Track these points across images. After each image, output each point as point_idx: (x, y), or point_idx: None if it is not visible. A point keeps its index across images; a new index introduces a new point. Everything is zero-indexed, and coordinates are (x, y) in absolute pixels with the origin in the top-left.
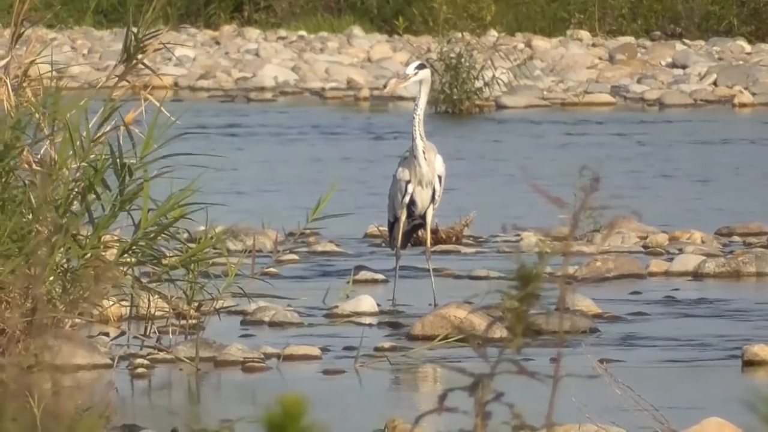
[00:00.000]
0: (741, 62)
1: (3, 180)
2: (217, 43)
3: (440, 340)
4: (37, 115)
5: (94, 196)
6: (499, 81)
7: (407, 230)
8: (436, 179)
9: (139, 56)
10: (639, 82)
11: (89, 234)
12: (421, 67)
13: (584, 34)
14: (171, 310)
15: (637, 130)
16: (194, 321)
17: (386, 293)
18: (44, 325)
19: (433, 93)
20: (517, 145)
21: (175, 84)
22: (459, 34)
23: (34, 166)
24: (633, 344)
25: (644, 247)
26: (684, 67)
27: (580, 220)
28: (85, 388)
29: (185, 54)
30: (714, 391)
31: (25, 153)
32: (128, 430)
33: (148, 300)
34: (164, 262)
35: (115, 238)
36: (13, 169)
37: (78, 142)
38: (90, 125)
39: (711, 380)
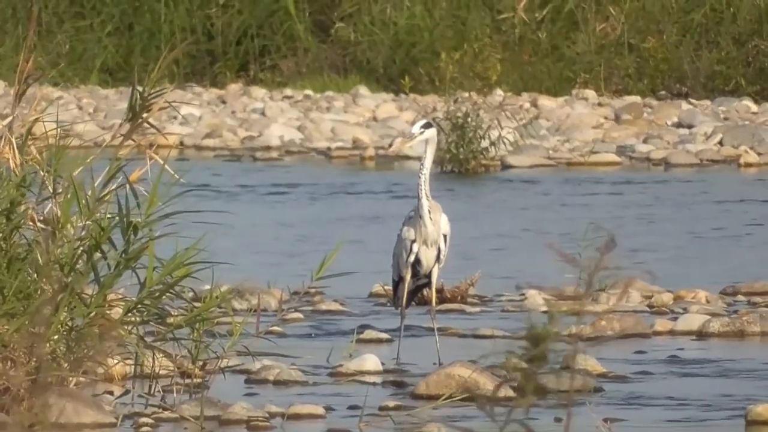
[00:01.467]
0: (747, 122)
1: (8, 238)
2: (223, 101)
3: (445, 400)
4: (42, 173)
5: (99, 254)
6: (505, 140)
7: (412, 289)
8: (441, 239)
9: (145, 115)
10: (645, 141)
11: (94, 292)
12: (427, 126)
13: (590, 93)
14: (176, 369)
15: (642, 190)
16: (199, 380)
17: (391, 352)
18: (48, 384)
19: (439, 152)
20: (523, 205)
21: (181, 143)
22: (465, 94)
23: (38, 224)
24: (637, 404)
25: (649, 306)
26: (690, 126)
27: (594, 279)
28: None
29: (191, 112)
30: None
31: (30, 211)
32: None
33: (153, 359)
34: (169, 320)
35: (120, 296)
36: (18, 227)
37: (83, 201)
38: (95, 183)
39: None
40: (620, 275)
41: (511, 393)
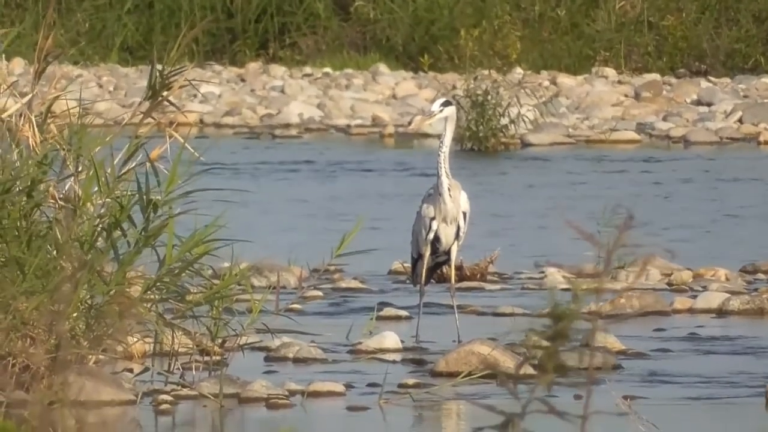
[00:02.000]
0: (766, 100)
1: (29, 216)
2: (243, 80)
3: (464, 377)
4: (62, 152)
5: (119, 232)
6: (525, 118)
7: (431, 267)
8: (461, 216)
9: (165, 93)
10: (664, 119)
11: (114, 270)
12: (446, 104)
13: (610, 71)
14: (195, 347)
15: (662, 168)
16: (218, 357)
17: (410, 330)
18: (68, 362)
19: (458, 130)
20: (543, 183)
21: (201, 121)
22: (485, 71)
23: (59, 202)
24: (656, 381)
25: (668, 284)
26: (709, 104)
27: (613, 257)
28: (109, 424)
29: (211, 91)
30: (738, 429)
31: (51, 189)
32: None
33: (172, 336)
34: (188, 298)
35: (140, 274)
36: (39, 204)
37: (103, 179)
38: (115, 161)
39: (735, 417)
40: (639, 253)
41: (531, 371)
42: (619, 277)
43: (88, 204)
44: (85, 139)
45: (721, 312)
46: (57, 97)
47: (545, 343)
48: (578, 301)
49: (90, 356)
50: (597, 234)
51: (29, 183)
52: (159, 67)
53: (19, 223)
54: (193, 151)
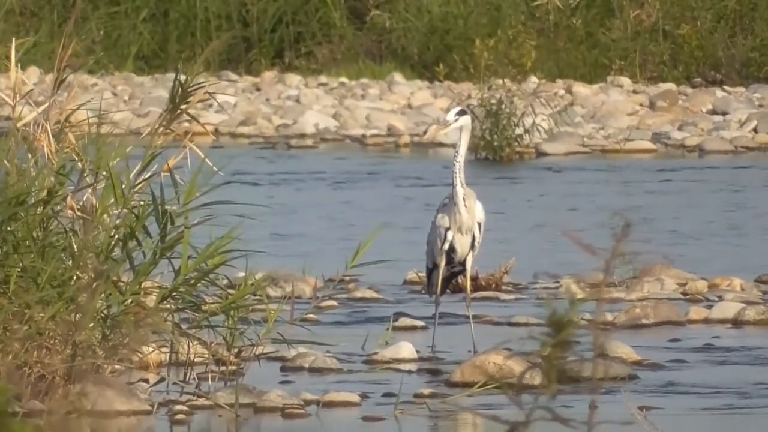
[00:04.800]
0: None
1: (45, 226)
2: (258, 89)
3: (480, 387)
4: (79, 162)
5: (135, 242)
6: (540, 127)
7: (446, 277)
8: (476, 226)
9: (184, 106)
10: (680, 128)
11: (130, 280)
12: (461, 113)
13: (625, 80)
14: (210, 356)
15: (677, 177)
16: (234, 367)
17: (426, 340)
18: (84, 371)
19: (473, 139)
20: (558, 192)
21: (216, 130)
22: (500, 81)
23: (77, 213)
24: (672, 391)
25: (683, 294)
26: (724, 113)
27: (613, 266)
28: None
29: (226, 100)
30: None
31: (68, 199)
32: None
33: (188, 346)
34: (204, 308)
35: (156, 284)
36: (56, 215)
37: (119, 189)
38: (131, 172)
39: (750, 428)
40: (640, 261)
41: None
42: (633, 286)
43: (105, 214)
44: (102, 150)
45: (736, 322)
46: (77, 108)
47: (549, 351)
48: (576, 309)
49: (106, 366)
50: (611, 243)
51: (46, 193)
52: (180, 79)
53: (35, 234)
54: (211, 165)
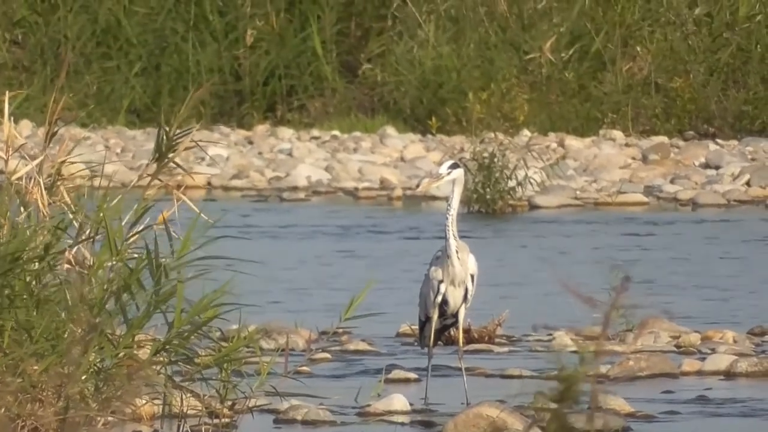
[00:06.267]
0: None
1: (39, 280)
2: (251, 142)
3: None
4: (71, 215)
5: (128, 295)
6: (532, 180)
7: (439, 329)
8: (469, 278)
9: (171, 155)
10: (672, 182)
11: (123, 333)
12: (454, 166)
13: (617, 133)
14: (204, 409)
15: (670, 230)
16: (227, 420)
17: (419, 392)
18: (77, 424)
19: (466, 192)
20: (551, 245)
21: (209, 183)
22: (492, 134)
23: (74, 267)
24: None
25: (677, 346)
26: (717, 167)
27: (611, 319)
28: None
29: (219, 153)
30: None
31: (66, 253)
32: None
33: (181, 399)
34: (197, 361)
35: (149, 337)
36: (51, 268)
37: (113, 242)
38: (123, 224)
39: None
40: (638, 314)
41: None
42: (627, 339)
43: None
44: (99, 204)
45: (729, 374)
46: (64, 161)
47: (552, 405)
48: (587, 364)
49: (99, 418)
50: (607, 296)
51: (42, 249)
52: (166, 128)
53: (30, 287)
54: (206, 217)
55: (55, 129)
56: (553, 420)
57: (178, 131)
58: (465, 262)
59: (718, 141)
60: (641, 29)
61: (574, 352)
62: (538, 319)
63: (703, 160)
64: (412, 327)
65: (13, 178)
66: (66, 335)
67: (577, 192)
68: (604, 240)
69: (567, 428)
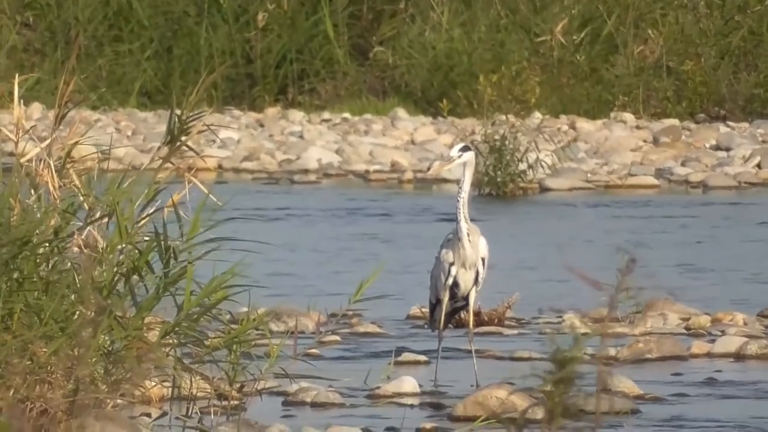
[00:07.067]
0: None
1: (48, 263)
2: (261, 125)
3: (482, 422)
4: (81, 198)
5: (138, 278)
6: (543, 163)
7: (449, 312)
8: (480, 261)
9: (183, 138)
10: (683, 164)
11: (132, 315)
12: (465, 149)
13: (628, 116)
14: (213, 391)
15: (681, 213)
16: (236, 402)
17: (428, 374)
18: (86, 406)
19: (477, 175)
20: (561, 228)
21: (219, 166)
22: (503, 117)
23: (83, 250)
24: (675, 426)
25: (686, 328)
26: (728, 149)
27: (618, 301)
28: None
29: (230, 136)
30: None
31: (76, 236)
32: None
33: (190, 381)
34: (206, 343)
35: (159, 319)
36: (61, 251)
37: (123, 225)
38: (134, 207)
39: None
40: (643, 296)
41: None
42: (636, 321)
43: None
44: (110, 187)
45: (739, 356)
46: (76, 143)
47: (549, 387)
48: (580, 345)
49: (108, 401)
50: (615, 278)
51: (52, 233)
52: (178, 111)
53: (40, 269)
54: (216, 200)
55: (65, 111)
56: (551, 402)
57: (189, 115)
58: (476, 245)
59: (729, 123)
60: (653, 12)
61: (585, 334)
62: (548, 302)
63: (713, 142)
64: (423, 309)
65: (23, 160)
66: (75, 317)
67: (588, 174)
68: (614, 223)
69: (566, 410)
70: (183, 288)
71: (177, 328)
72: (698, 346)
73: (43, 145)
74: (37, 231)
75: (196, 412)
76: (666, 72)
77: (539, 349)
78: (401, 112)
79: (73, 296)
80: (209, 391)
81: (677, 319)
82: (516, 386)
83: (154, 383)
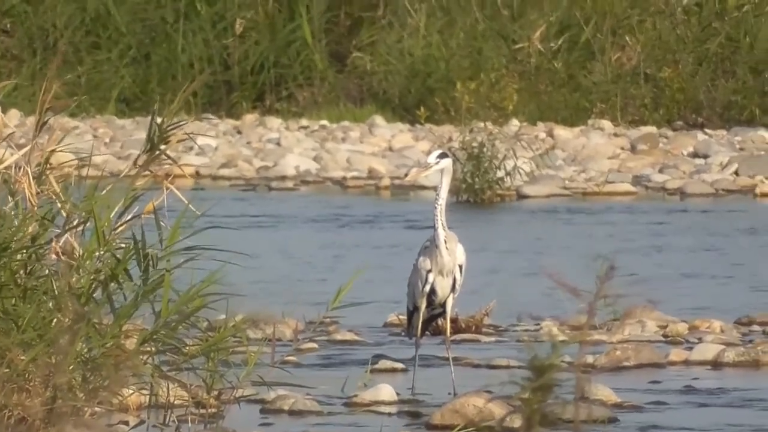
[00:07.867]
0: (762, 152)
1: (26, 270)
2: (239, 132)
3: (459, 430)
4: (59, 205)
5: (116, 285)
6: (521, 170)
7: (426, 319)
8: (457, 269)
9: (162, 147)
10: (660, 171)
11: (110, 323)
12: (442, 156)
13: (606, 123)
14: (190, 399)
15: (658, 220)
16: (214, 410)
17: (406, 382)
18: (64, 414)
19: (454, 182)
20: (539, 235)
21: (197, 173)
22: (481, 124)
23: (61, 257)
24: None
25: (664, 336)
26: (705, 156)
27: (596, 308)
28: None
29: (207, 143)
30: None
31: (53, 243)
32: None
33: (168, 388)
34: (184, 350)
35: (137, 327)
36: (39, 258)
37: (101, 232)
38: (111, 214)
39: None
40: (623, 304)
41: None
42: (614, 329)
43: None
44: (88, 194)
45: (716, 364)
46: (54, 150)
47: (530, 395)
48: (558, 352)
49: (86, 408)
50: (594, 286)
51: (30, 240)
52: (158, 120)
53: (17, 276)
54: (194, 209)
55: (47, 119)
56: (528, 410)
57: (170, 123)
58: (453, 252)
59: (707, 131)
60: (630, 19)
61: (563, 341)
62: (526, 309)
63: (691, 149)
64: (400, 317)
65: (1, 167)
66: (53, 325)
67: (566, 182)
68: (592, 230)
69: (543, 418)
70: (161, 295)
71: (155, 336)
72: (676, 354)
73: (23, 151)
74: (15, 238)
75: (174, 420)
76: (644, 79)
77: (517, 357)
78: (379, 119)
79: (50, 303)
80: (187, 398)
81: (655, 327)
82: (494, 394)
83: (131, 391)
